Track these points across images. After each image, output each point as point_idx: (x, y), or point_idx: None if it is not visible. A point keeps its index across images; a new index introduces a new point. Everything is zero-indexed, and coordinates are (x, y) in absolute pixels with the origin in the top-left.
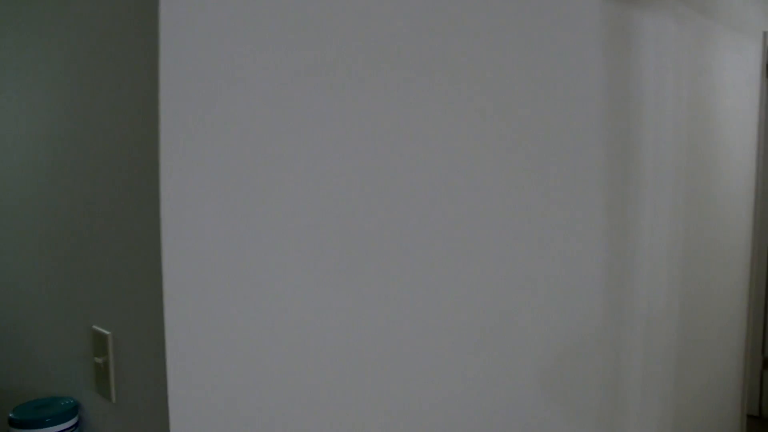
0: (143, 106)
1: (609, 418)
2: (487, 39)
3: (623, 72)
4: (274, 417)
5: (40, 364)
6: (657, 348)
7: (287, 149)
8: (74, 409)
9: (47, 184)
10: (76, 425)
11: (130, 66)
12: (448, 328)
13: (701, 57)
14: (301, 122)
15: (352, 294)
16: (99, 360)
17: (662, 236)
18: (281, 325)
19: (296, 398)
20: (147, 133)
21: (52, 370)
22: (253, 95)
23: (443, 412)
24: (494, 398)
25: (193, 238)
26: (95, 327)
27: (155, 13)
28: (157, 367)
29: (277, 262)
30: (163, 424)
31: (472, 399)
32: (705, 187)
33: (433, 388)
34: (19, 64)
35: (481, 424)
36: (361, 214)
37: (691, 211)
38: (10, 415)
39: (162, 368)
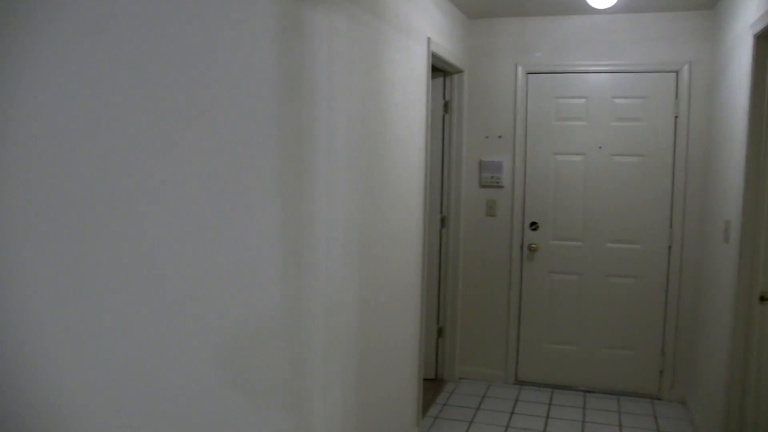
0: None
1: (295, 398)
2: (137, 40)
3: (296, 67)
4: None
5: None
6: (340, 326)
7: None
8: None
9: None
10: None
11: None
12: (115, 327)
13: (373, 55)
14: None
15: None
16: None
17: (339, 224)
18: None
19: None
20: None
21: None
22: None
23: (115, 411)
24: (168, 391)
25: None
26: None
27: None
28: None
29: None
30: None
31: (142, 393)
32: (380, 174)
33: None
34: None
35: (156, 418)
36: None
37: (366, 197)
38: None
39: None
